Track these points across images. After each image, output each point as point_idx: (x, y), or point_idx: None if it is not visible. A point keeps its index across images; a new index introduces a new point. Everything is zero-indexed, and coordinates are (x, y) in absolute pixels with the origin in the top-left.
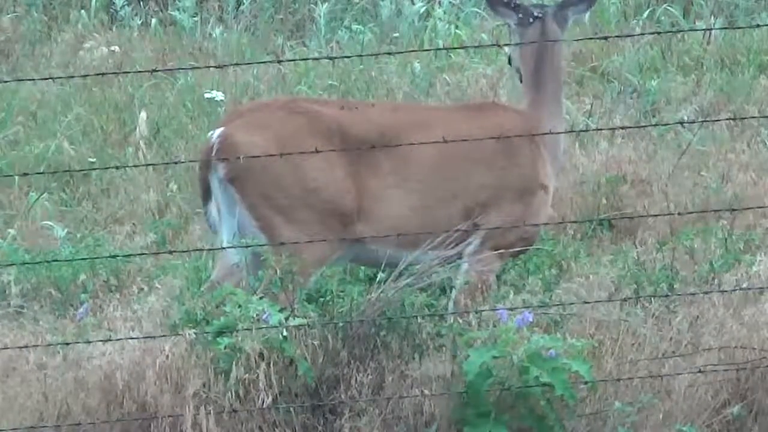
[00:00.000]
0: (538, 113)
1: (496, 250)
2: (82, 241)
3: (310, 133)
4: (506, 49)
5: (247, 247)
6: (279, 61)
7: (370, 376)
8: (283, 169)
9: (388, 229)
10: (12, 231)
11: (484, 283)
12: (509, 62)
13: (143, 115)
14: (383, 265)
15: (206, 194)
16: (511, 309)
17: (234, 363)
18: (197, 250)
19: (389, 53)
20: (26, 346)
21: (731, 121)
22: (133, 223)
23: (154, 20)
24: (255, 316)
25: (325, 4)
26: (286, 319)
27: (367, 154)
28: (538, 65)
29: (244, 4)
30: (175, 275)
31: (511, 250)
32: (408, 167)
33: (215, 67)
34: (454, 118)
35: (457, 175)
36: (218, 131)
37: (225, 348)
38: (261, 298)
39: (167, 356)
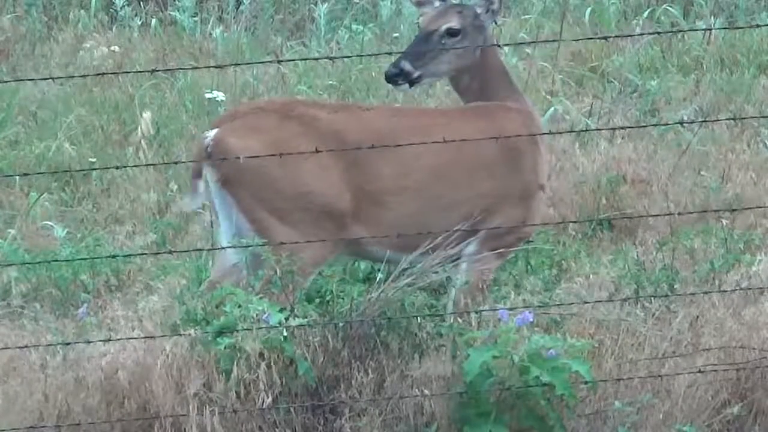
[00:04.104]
0: (530, 109)
1: (494, 251)
2: (82, 241)
3: (305, 138)
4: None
5: (246, 247)
6: (279, 61)
7: (370, 376)
8: (278, 173)
9: (386, 233)
10: (12, 231)
11: (484, 282)
12: None
13: (147, 115)
14: (384, 261)
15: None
16: (511, 309)
17: (234, 363)
18: (197, 250)
19: (389, 53)
20: (27, 346)
21: (731, 121)
22: (134, 223)
23: (154, 20)
24: (255, 316)
25: (325, 4)
26: (286, 319)
27: (364, 159)
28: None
29: (244, 4)
30: (176, 275)
31: (510, 250)
32: (407, 173)
33: (215, 67)
34: (453, 120)
35: (458, 183)
36: (212, 133)
37: (225, 348)
38: (261, 298)
39: (168, 356)
